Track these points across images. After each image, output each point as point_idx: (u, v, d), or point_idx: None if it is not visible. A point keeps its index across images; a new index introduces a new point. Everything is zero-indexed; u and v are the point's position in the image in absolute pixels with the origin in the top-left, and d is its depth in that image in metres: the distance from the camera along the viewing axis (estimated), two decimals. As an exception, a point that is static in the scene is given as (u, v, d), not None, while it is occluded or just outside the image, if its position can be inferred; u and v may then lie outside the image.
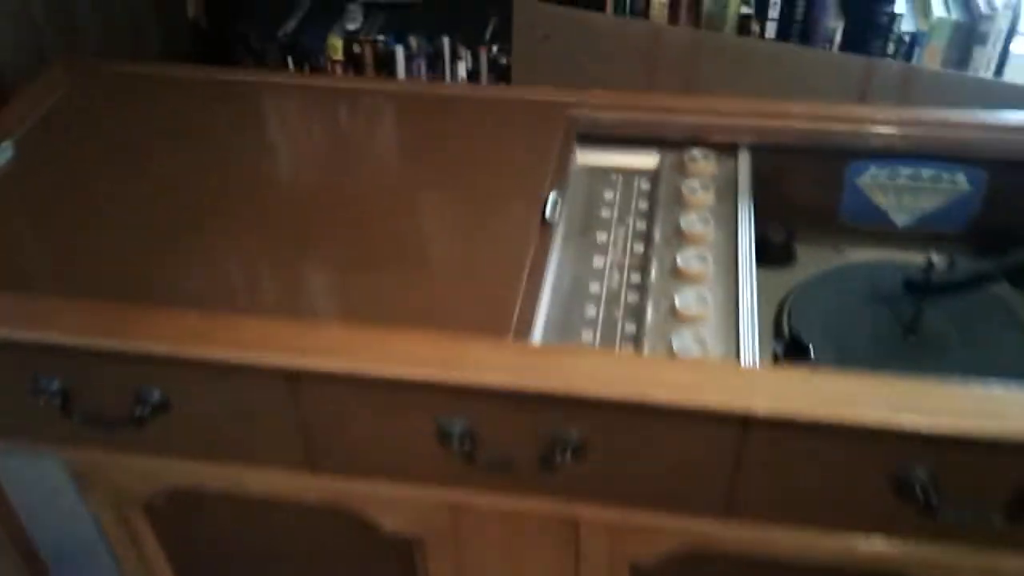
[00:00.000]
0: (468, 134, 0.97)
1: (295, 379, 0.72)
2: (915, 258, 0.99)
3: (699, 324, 0.79)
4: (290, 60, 1.61)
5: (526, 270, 0.79)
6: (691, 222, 0.88)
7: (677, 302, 0.79)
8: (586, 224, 0.92)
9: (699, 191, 0.92)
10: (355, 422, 0.75)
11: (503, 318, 0.74)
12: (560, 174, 0.92)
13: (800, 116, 0.97)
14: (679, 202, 0.92)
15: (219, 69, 1.11)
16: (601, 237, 0.91)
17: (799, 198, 1.01)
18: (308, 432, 0.76)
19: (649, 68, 1.45)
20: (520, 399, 0.69)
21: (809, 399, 0.66)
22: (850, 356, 0.86)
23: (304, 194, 0.90)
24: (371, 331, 0.72)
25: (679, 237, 0.88)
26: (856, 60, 1.34)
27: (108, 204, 0.89)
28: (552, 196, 0.87)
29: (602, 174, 0.99)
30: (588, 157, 1.00)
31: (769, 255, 0.97)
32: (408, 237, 0.83)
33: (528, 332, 0.75)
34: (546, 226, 0.85)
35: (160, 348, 0.72)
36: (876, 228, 1.01)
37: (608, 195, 0.96)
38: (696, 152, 0.97)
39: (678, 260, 0.84)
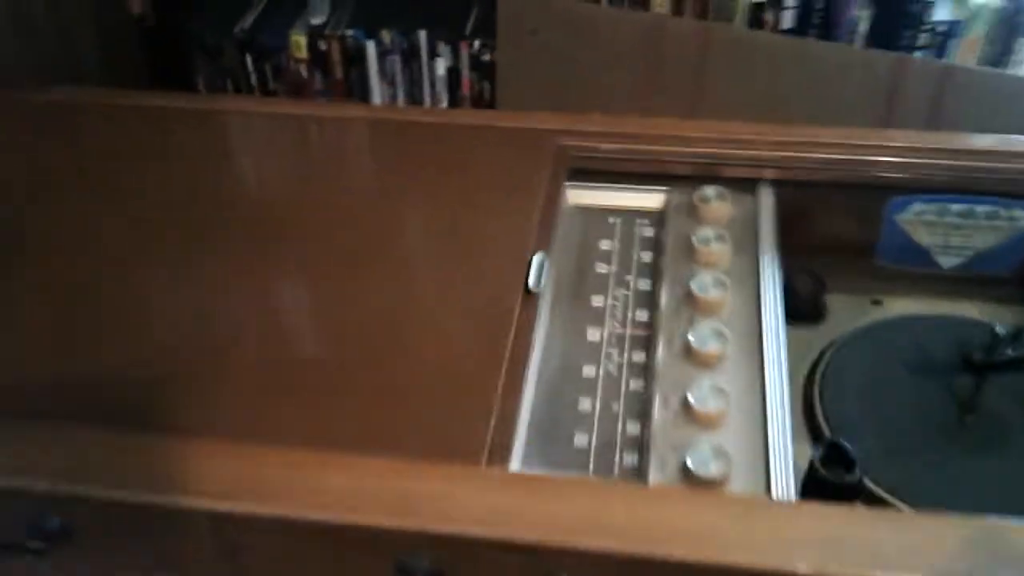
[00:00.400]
0: (441, 173, 0.82)
1: (221, 521, 0.58)
2: (964, 308, 0.85)
3: (718, 426, 0.64)
4: (249, 60, 1.45)
5: (504, 364, 0.64)
6: (704, 285, 0.73)
7: (691, 399, 0.65)
8: (579, 283, 0.78)
9: (713, 242, 0.77)
10: (298, 564, 0.60)
11: (475, 436, 0.59)
12: (548, 223, 0.77)
13: (832, 145, 0.82)
14: (690, 256, 0.77)
15: (160, 94, 0.96)
16: (596, 300, 0.76)
17: (828, 239, 0.86)
18: (242, 573, 0.62)
19: (651, 66, 1.29)
20: (497, 545, 0.55)
21: (865, 552, 0.52)
22: (897, 444, 0.72)
23: (244, 257, 0.75)
24: (313, 459, 0.58)
25: (691, 304, 0.73)
26: (885, 57, 1.18)
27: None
28: (537, 260, 0.72)
29: (598, 216, 0.84)
30: (582, 195, 0.85)
31: (795, 310, 0.82)
32: (362, 322, 0.69)
33: (507, 449, 0.60)
34: (530, 296, 0.70)
35: (40, 486, 0.57)
36: (917, 271, 0.86)
37: (605, 244, 0.81)
38: (709, 190, 0.81)
39: (690, 338, 0.69)
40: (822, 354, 0.80)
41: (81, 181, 0.83)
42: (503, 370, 0.64)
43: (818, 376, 0.78)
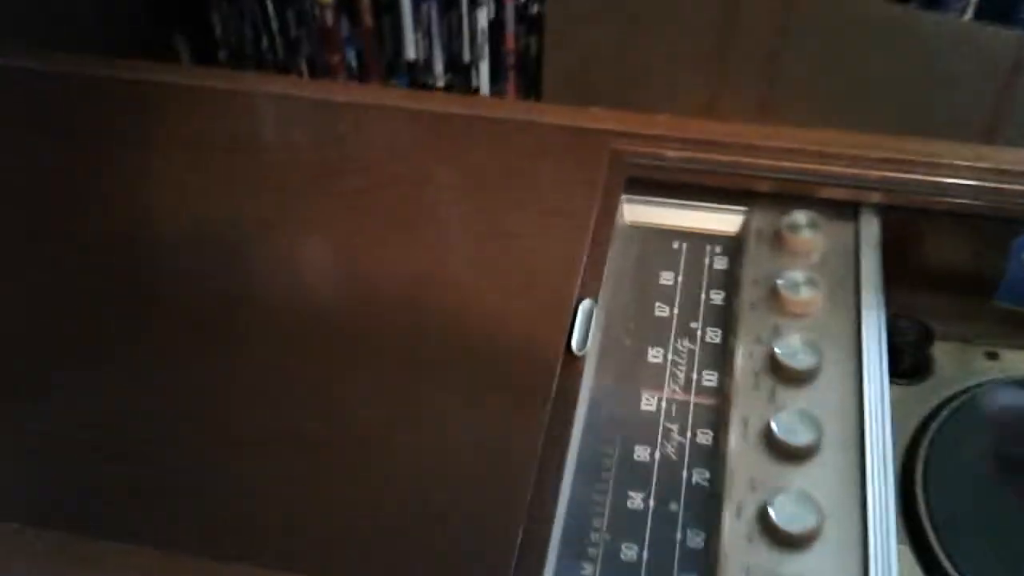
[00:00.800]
0: (469, 184, 0.68)
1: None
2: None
3: (805, 547, 0.51)
4: (269, 4, 1.29)
5: (535, 462, 0.51)
6: (792, 350, 0.58)
7: (772, 512, 0.51)
8: (633, 328, 0.63)
9: (802, 287, 0.62)
10: None
11: (496, 566, 0.47)
12: (600, 251, 0.63)
13: (957, 168, 0.66)
14: (773, 302, 0.62)
15: (174, 68, 0.82)
16: (654, 354, 0.62)
17: (935, 276, 0.71)
18: None
19: (723, 30, 1.12)
20: None
21: None
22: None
23: (210, 309, 0.62)
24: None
25: (773, 372, 0.58)
26: (1003, 35, 1.00)
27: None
28: (584, 309, 0.58)
29: (659, 239, 0.69)
30: (640, 211, 0.70)
31: (895, 364, 0.67)
32: (344, 415, 0.55)
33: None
34: (573, 359, 0.56)
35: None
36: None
37: (666, 277, 0.67)
38: (799, 216, 0.66)
39: (773, 425, 0.55)
40: (926, 423, 0.66)
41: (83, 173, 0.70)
42: (534, 472, 0.50)
43: (921, 455, 0.63)
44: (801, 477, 0.53)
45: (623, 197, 0.69)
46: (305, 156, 0.71)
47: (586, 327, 0.57)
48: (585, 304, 0.58)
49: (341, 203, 0.67)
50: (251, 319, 0.60)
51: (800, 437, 0.54)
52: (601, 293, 0.62)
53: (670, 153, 0.68)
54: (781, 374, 0.58)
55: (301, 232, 0.65)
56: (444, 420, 0.54)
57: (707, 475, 0.55)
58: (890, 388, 0.62)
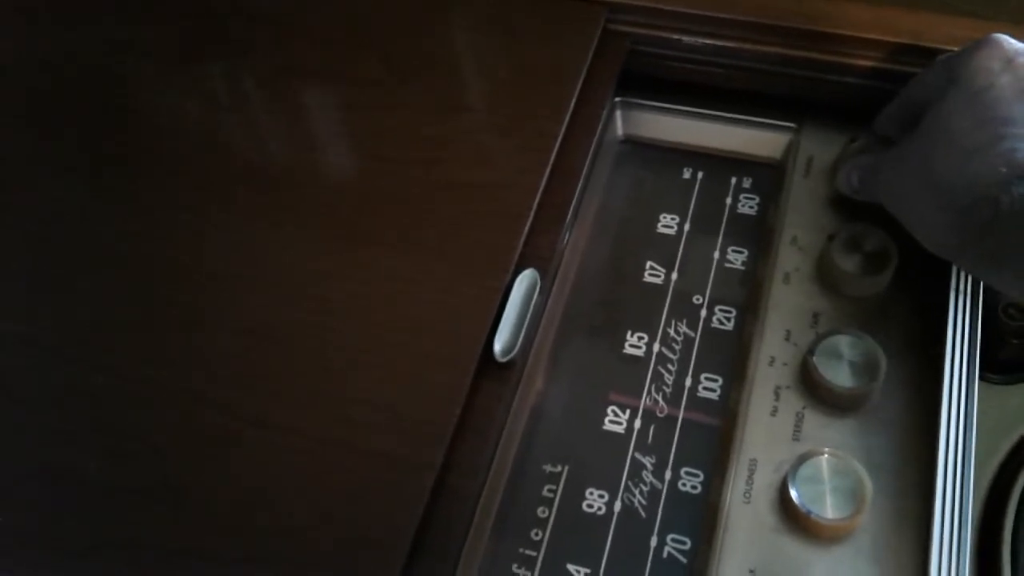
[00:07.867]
0: (400, 80, 0.48)
1: None
2: None
3: None
4: None
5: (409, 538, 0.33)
6: (835, 360, 0.39)
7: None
8: (608, 302, 0.44)
9: (868, 258, 0.42)
10: None
11: None
12: (566, 185, 0.43)
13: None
14: (821, 280, 0.42)
15: None
16: (634, 343, 0.43)
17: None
18: None
19: None
20: None
21: None
22: None
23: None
24: None
25: (806, 391, 0.39)
26: None
27: None
28: (521, 286, 0.38)
29: (663, 163, 0.49)
30: (641, 122, 0.50)
31: (989, 358, 0.47)
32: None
33: None
34: (495, 369, 0.37)
35: None
36: None
37: (667, 222, 0.46)
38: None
39: (793, 493, 0.36)
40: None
41: None
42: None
43: (1015, 496, 0.44)
44: (828, 566, 0.35)
45: (616, 100, 0.48)
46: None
47: (522, 316, 0.38)
48: (525, 275, 0.39)
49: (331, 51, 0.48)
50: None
51: (830, 509, 0.35)
52: (573, 250, 0.43)
53: (687, 38, 0.47)
54: (816, 393, 0.39)
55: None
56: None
57: (686, 545, 0.37)
58: (985, 388, 0.43)
